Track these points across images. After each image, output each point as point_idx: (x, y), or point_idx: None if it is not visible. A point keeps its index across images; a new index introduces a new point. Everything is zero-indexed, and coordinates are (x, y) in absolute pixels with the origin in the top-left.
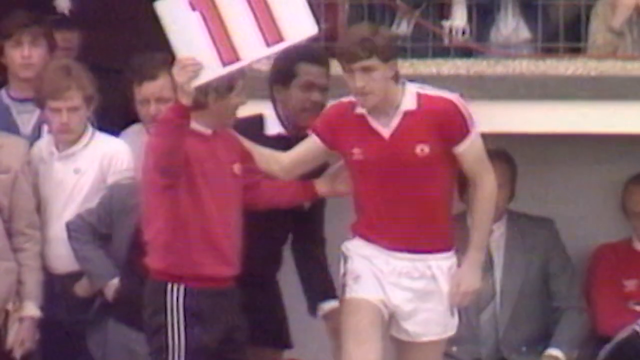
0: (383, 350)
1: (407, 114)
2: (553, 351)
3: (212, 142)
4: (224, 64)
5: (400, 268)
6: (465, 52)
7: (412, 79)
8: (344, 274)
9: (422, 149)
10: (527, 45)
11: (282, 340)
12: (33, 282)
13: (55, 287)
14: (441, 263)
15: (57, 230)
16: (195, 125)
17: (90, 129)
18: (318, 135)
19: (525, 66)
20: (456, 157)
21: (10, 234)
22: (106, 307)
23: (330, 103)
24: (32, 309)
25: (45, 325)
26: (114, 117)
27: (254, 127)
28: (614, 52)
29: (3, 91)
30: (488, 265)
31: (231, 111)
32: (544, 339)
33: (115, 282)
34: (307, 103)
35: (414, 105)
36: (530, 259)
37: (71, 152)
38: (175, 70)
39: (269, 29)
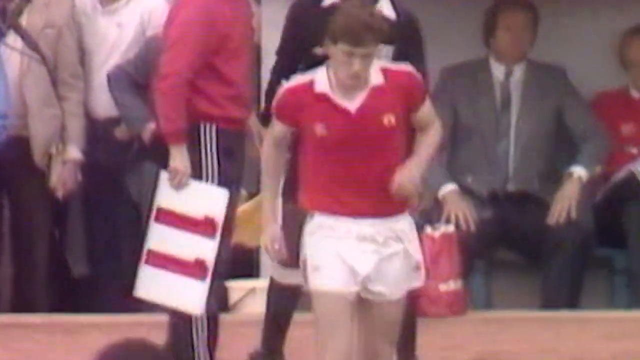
0: (353, 336)
1: (374, 89)
2: (575, 168)
3: (239, 4)
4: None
5: (364, 234)
6: None
7: None
8: (304, 260)
9: (389, 120)
10: None
11: None
12: (76, 128)
13: (97, 131)
14: (402, 223)
15: (100, 80)
16: None
17: None
18: (280, 119)
19: None
20: (412, 118)
21: (55, 84)
22: (143, 150)
23: (284, 86)
24: (74, 152)
25: (87, 167)
26: None
27: None
28: None
29: None
30: (506, 102)
31: None
32: (556, 177)
33: (151, 126)
34: None
35: (380, 80)
36: (545, 103)
37: (114, 7)
38: None
39: (199, 225)
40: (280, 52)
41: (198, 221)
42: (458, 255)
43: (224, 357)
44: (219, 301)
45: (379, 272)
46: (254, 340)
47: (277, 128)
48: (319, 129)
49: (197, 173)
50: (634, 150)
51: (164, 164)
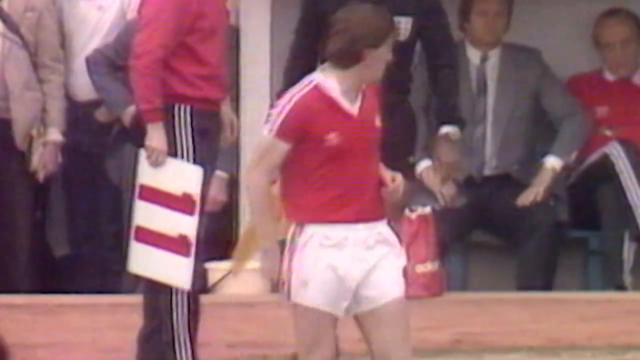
0: (333, 350)
1: (363, 91)
2: (549, 159)
3: None
4: (187, 255)
5: (357, 239)
6: None
7: None
8: (289, 270)
9: (378, 121)
10: None
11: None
12: (56, 110)
13: (78, 113)
14: (385, 227)
15: (81, 63)
16: None
17: None
18: (285, 136)
19: None
20: None
21: (36, 67)
22: (124, 133)
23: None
24: (55, 134)
25: (67, 149)
26: None
27: None
28: None
29: None
30: (482, 87)
31: None
32: (535, 159)
33: (131, 109)
34: None
35: None
36: (521, 86)
37: None
38: None
39: (179, 202)
40: (299, 30)
41: (178, 198)
42: (435, 237)
43: (202, 337)
44: (199, 282)
45: (372, 277)
46: (232, 321)
47: (278, 150)
48: (331, 138)
49: (172, 153)
50: (608, 133)
51: (143, 146)
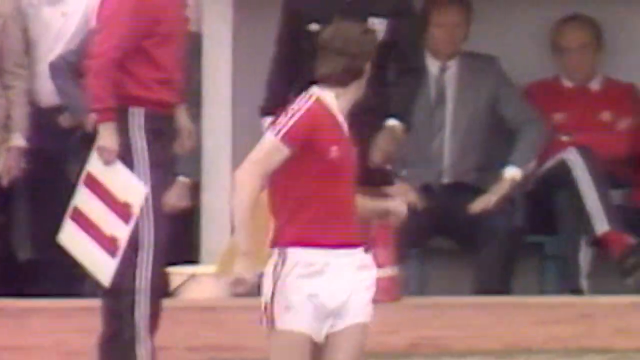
0: None
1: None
2: (508, 169)
3: None
4: (113, 255)
5: (339, 265)
6: None
7: None
8: (272, 296)
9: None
10: None
11: None
12: (20, 116)
13: (42, 119)
14: (364, 254)
15: (45, 68)
16: None
17: None
18: (290, 142)
19: None
20: None
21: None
22: (86, 138)
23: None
24: (18, 140)
25: (31, 154)
26: None
27: None
28: None
29: None
30: (440, 97)
31: None
32: (493, 166)
33: (94, 115)
34: None
35: None
36: (479, 94)
37: None
38: None
39: (118, 207)
40: (280, 41)
41: (119, 202)
42: (393, 242)
43: (163, 341)
44: (162, 286)
45: (348, 302)
46: (192, 325)
47: (280, 155)
48: (333, 151)
49: (127, 156)
50: (565, 139)
51: None
